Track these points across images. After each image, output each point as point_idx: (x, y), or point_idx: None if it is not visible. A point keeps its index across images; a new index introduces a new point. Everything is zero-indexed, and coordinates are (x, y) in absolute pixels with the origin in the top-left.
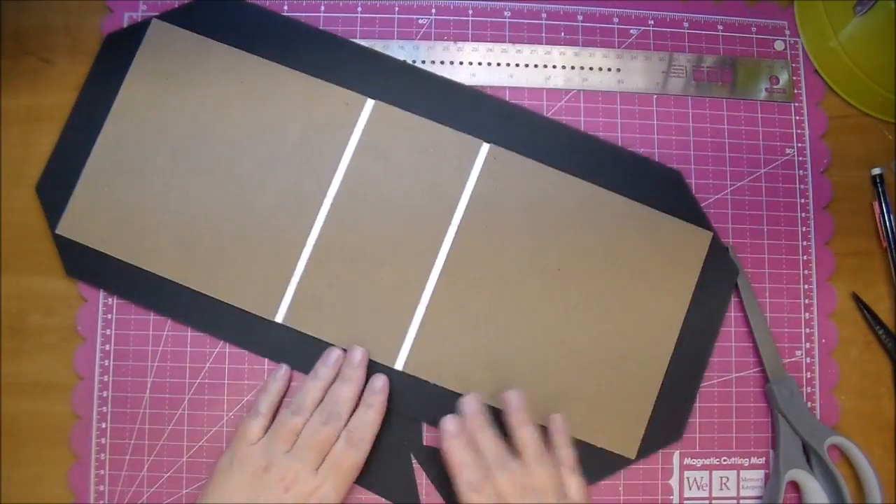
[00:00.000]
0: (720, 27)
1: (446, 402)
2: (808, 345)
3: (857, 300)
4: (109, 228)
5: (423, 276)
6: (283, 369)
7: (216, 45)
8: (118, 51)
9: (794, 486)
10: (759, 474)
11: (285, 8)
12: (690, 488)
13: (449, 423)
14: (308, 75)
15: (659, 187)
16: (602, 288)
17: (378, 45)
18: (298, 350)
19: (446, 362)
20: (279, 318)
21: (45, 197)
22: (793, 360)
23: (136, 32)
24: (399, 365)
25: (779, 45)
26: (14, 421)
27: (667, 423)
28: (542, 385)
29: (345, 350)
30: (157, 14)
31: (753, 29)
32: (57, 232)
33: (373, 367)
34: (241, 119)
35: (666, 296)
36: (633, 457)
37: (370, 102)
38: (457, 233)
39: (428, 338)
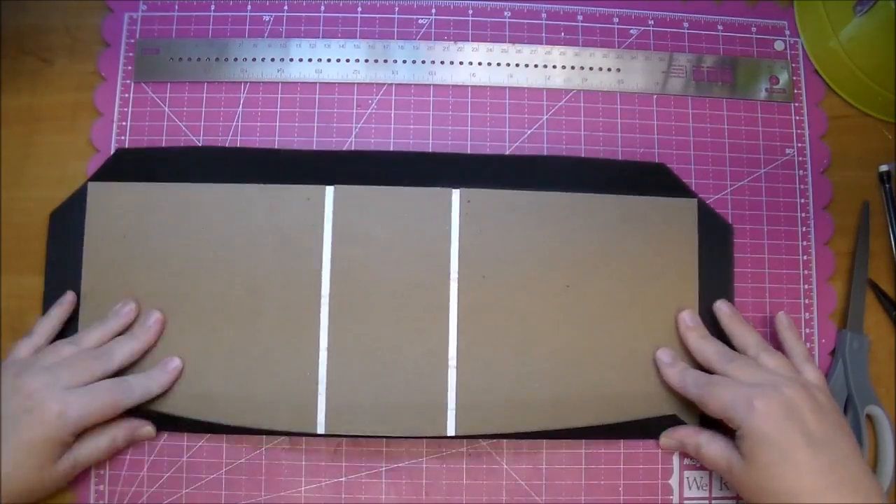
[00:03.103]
0: (720, 27)
1: None
2: (808, 344)
3: (873, 286)
4: None
5: (442, 339)
6: (69, 295)
7: (162, 187)
8: (66, 224)
9: None
10: None
11: (285, 8)
12: (690, 488)
13: (662, 353)
14: (262, 184)
15: (643, 182)
16: (613, 289)
17: (378, 45)
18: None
19: (493, 412)
20: (321, 430)
21: None
22: None
23: (77, 202)
24: (451, 431)
25: (779, 45)
26: None
27: None
28: (593, 392)
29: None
30: (92, 177)
31: (753, 29)
32: None
33: (427, 442)
34: (211, 251)
35: (674, 274)
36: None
37: (330, 189)
38: (459, 286)
39: (469, 395)
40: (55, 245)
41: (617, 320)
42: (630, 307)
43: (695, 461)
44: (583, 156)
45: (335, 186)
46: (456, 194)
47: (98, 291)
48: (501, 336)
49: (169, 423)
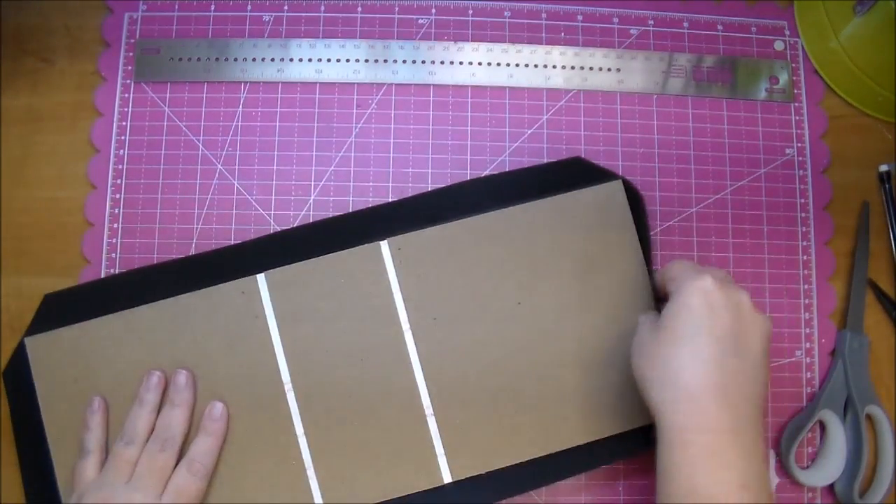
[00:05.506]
0: (720, 27)
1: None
2: (808, 345)
3: (873, 286)
4: None
5: (412, 391)
6: (97, 400)
7: (99, 322)
8: (19, 380)
9: (822, 426)
10: None
11: (285, 8)
12: None
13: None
14: (194, 291)
15: (565, 180)
16: (564, 291)
17: (378, 45)
18: None
19: (482, 449)
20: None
21: None
22: (793, 360)
23: (21, 357)
24: (447, 478)
25: (779, 45)
26: None
27: None
28: (556, 409)
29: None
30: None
31: (753, 29)
32: None
33: (427, 496)
34: (167, 366)
35: (620, 259)
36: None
37: (261, 277)
38: (413, 335)
39: (454, 439)
40: (16, 403)
41: (575, 322)
42: (586, 305)
43: None
44: (507, 170)
45: (265, 273)
46: (385, 245)
47: (66, 438)
48: (467, 371)
49: None
